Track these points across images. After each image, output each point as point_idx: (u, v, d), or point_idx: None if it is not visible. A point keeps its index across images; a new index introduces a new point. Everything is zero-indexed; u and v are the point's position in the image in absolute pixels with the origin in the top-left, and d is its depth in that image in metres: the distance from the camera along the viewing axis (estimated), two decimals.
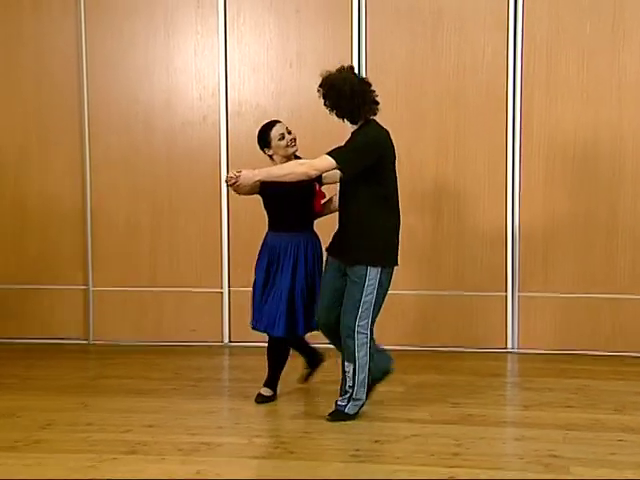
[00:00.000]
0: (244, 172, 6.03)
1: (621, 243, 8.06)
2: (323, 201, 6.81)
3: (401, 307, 8.32)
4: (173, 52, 8.50)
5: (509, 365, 8.00)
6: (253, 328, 6.84)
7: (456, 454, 5.66)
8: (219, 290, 8.71)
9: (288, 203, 6.59)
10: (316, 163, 5.99)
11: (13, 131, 8.78)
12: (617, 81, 7.97)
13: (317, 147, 8.14)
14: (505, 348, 8.28)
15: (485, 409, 6.68)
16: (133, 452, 5.73)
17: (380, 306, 6.30)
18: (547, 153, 8.07)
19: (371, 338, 6.32)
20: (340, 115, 6.22)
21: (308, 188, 6.54)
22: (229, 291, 8.70)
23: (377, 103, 6.19)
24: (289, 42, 8.33)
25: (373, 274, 6.12)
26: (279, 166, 6.33)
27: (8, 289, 8.89)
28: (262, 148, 6.67)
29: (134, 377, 7.66)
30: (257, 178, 6.07)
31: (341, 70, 6.18)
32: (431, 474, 5.32)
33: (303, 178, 6.05)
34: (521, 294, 8.20)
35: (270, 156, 6.65)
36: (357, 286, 6.14)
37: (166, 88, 8.49)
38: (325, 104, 6.17)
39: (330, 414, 6.37)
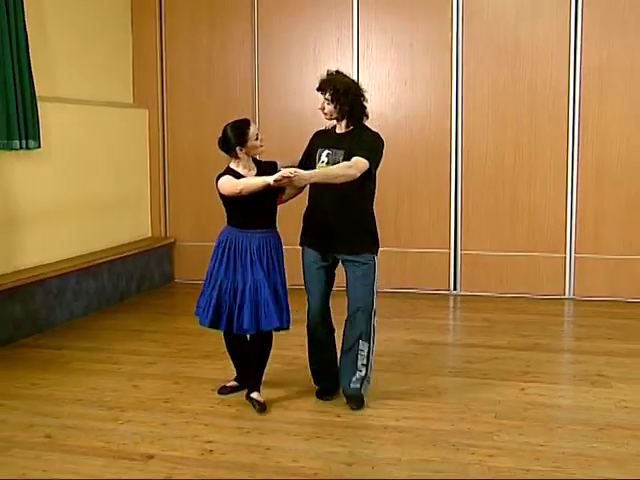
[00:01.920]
0: (300, 173, 4.62)
1: None
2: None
3: (486, 264, 8.35)
4: (319, 73, 8.58)
5: (567, 308, 7.91)
6: (244, 330, 5.01)
7: (526, 372, 5.75)
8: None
9: (262, 201, 4.97)
10: (359, 165, 4.73)
11: (207, 140, 8.70)
12: None
13: (424, 145, 8.34)
14: (564, 295, 8.25)
15: (548, 340, 6.70)
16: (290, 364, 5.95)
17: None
18: (599, 150, 7.96)
19: None
20: (348, 117, 4.98)
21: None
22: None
23: None
24: (405, 67, 8.36)
25: (376, 260, 5.08)
26: (332, 168, 4.83)
27: (206, 246, 8.97)
28: (234, 147, 5.00)
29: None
30: (313, 180, 4.72)
31: (338, 73, 5.14)
32: (507, 387, 5.44)
33: (350, 180, 4.73)
34: (577, 255, 8.15)
35: (236, 156, 5.05)
36: (369, 269, 5.02)
37: (314, 102, 8.55)
38: (335, 106, 4.93)
39: (353, 402, 5.04)
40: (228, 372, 5.68)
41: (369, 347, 5.06)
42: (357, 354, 5.03)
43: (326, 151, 4.98)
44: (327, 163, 4.93)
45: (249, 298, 4.95)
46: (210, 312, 5.01)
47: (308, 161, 5.11)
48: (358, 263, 5.01)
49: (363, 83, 8.27)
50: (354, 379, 5.03)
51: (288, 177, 4.58)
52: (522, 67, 8.11)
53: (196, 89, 8.93)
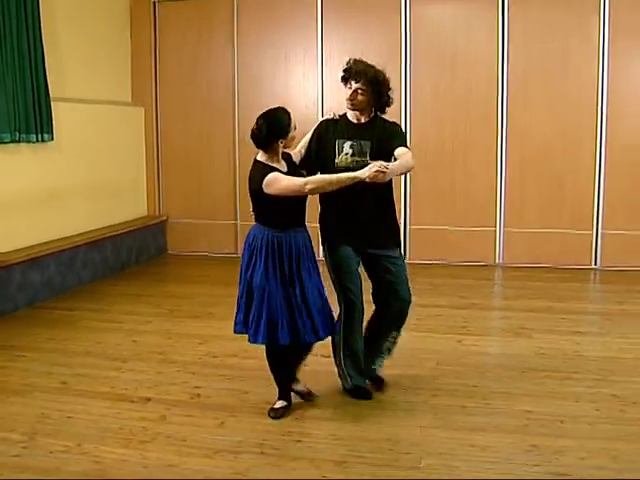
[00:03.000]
0: (391, 166, 3.80)
1: (567, 200, 8.04)
2: None
3: (431, 237, 8.38)
4: (289, 77, 8.59)
5: (496, 273, 8.01)
6: (315, 339, 4.06)
7: (463, 327, 5.85)
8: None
9: (304, 198, 3.97)
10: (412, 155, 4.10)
11: (193, 133, 8.89)
12: (564, 101, 7.93)
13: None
14: (494, 263, 8.31)
15: (481, 299, 6.80)
16: None
17: None
18: (523, 142, 8.05)
19: None
20: (378, 108, 4.24)
21: None
22: None
23: None
24: None
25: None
26: (405, 159, 4.00)
27: (194, 222, 9.05)
28: (278, 139, 3.86)
29: None
30: (397, 172, 3.94)
31: (362, 62, 4.21)
32: (447, 339, 5.54)
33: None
34: (505, 229, 8.24)
35: (274, 149, 3.89)
36: (402, 261, 4.37)
37: (284, 99, 8.48)
38: (376, 98, 4.14)
39: (379, 383, 4.52)
40: (212, 329, 5.73)
41: (399, 335, 4.50)
42: (388, 341, 4.47)
43: (348, 142, 4.13)
44: (352, 155, 4.09)
45: (305, 307, 3.97)
46: (263, 327, 3.90)
47: (324, 152, 4.17)
48: (389, 259, 4.28)
49: (326, 85, 8.43)
50: (378, 364, 4.52)
51: (383, 172, 3.75)
52: (459, 71, 8.13)
53: (184, 89, 8.86)
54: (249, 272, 3.97)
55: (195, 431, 3.94)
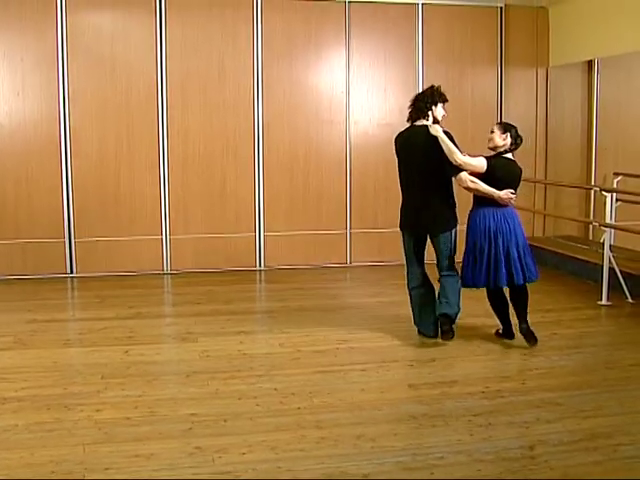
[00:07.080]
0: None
1: (229, 204, 8.33)
2: None
3: (99, 248, 8.10)
4: None
5: (166, 281, 8.01)
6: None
7: (130, 337, 5.78)
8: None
9: None
10: None
11: None
12: (222, 107, 8.21)
13: (37, 146, 7.88)
14: (162, 271, 8.25)
15: (149, 308, 6.75)
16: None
17: (407, 257, 5.69)
18: (184, 146, 8.16)
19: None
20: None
21: None
22: None
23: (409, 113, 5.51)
24: (16, 79, 7.89)
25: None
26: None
27: None
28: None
29: None
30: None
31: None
32: (113, 351, 5.41)
33: None
34: (171, 236, 8.27)
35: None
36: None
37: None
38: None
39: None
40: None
41: None
42: None
43: None
44: None
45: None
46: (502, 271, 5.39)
47: None
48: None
49: None
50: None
51: None
52: (119, 79, 7.99)
53: None
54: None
55: None
